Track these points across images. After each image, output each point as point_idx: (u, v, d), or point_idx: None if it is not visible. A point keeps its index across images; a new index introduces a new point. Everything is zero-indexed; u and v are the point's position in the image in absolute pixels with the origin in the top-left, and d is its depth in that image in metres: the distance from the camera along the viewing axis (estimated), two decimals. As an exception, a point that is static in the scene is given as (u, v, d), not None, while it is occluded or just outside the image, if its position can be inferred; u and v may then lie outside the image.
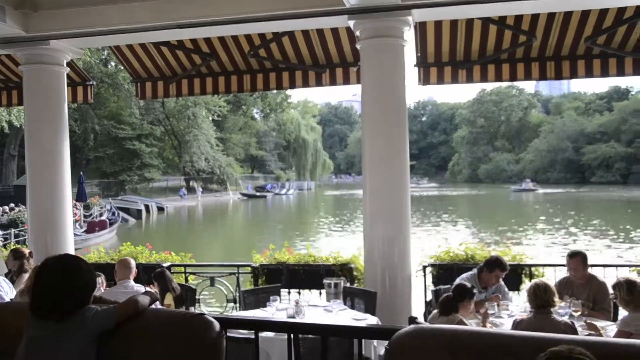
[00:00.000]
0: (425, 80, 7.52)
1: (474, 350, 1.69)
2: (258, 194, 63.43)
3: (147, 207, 40.65)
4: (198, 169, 55.09)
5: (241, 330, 4.34)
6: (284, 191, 69.18)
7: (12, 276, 6.02)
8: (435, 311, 4.91)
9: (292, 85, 7.96)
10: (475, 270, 5.74)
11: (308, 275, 7.22)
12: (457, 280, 5.46)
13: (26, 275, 5.85)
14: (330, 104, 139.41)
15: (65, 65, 7.41)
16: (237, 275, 7.63)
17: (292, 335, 2.64)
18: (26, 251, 6.44)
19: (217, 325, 2.16)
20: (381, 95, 6.30)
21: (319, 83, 7.81)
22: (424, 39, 7.11)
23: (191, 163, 54.09)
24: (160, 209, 42.97)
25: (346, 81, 7.71)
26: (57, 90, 7.30)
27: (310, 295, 7.10)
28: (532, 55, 7.22)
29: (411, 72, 6.64)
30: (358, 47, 6.52)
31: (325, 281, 6.23)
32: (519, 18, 6.65)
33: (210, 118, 55.31)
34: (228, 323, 2.45)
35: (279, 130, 73.71)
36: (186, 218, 42.97)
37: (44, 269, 2.40)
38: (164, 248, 8.52)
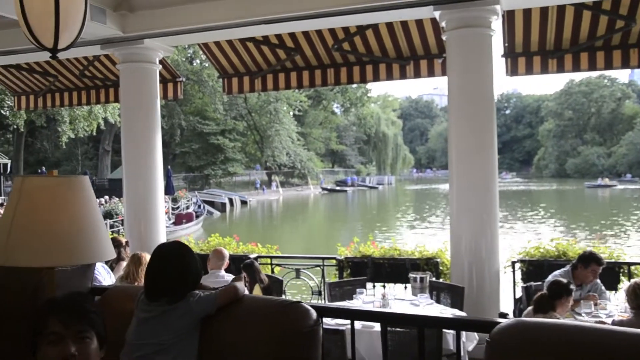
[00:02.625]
0: (512, 71, 7.30)
1: (582, 346, 1.62)
2: (338, 188, 63.68)
3: (230, 200, 41.77)
4: (279, 163, 56.00)
5: (328, 321, 4.39)
6: (364, 184, 69.06)
7: (112, 264, 6.37)
8: (530, 308, 4.75)
9: (376, 78, 7.91)
10: (568, 267, 5.51)
11: (393, 269, 7.19)
12: (550, 277, 5.27)
13: (124, 263, 6.16)
14: (410, 98, 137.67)
15: (157, 62, 7.73)
16: (322, 267, 7.72)
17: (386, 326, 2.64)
18: (123, 240, 6.78)
19: (314, 313, 2.19)
20: (468, 86, 6.15)
21: (402, 76, 7.72)
22: (512, 28, 6.89)
23: (273, 157, 55.04)
24: (244, 203, 44.06)
25: (431, 73, 7.59)
26: (150, 87, 7.63)
27: (395, 289, 7.07)
28: (631, 42, 6.82)
29: (497, 62, 6.45)
30: (444, 38, 6.41)
31: (411, 275, 6.18)
32: (616, 2, 6.30)
33: (291, 113, 56.06)
34: (325, 311, 2.48)
35: (359, 125, 73.63)
36: (268, 211, 43.81)
37: (160, 254, 2.52)
38: (248, 240, 8.73)
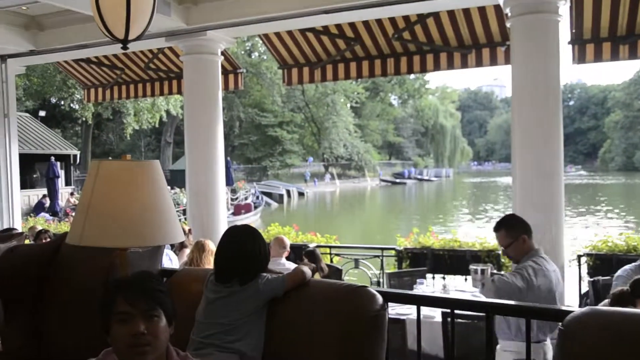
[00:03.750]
0: (580, 58, 7.02)
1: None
2: (398, 180, 63.22)
3: (288, 191, 42.13)
4: (337, 155, 56.06)
5: (388, 310, 4.37)
6: (422, 177, 68.31)
7: (175, 250, 6.56)
8: (605, 301, 4.57)
9: (437, 68, 7.78)
10: (639, 262, 5.30)
11: (453, 261, 7.12)
12: (620, 272, 5.06)
13: (187, 250, 6.33)
14: (469, 90, 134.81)
15: (219, 54, 7.86)
16: (381, 258, 7.71)
17: (447, 314, 2.61)
18: (186, 228, 6.96)
19: (380, 298, 2.19)
20: (533, 75, 5.96)
21: (464, 65, 7.57)
22: (580, 14, 6.63)
23: (330, 149, 55.13)
24: (301, 194, 44.37)
25: (493, 62, 7.41)
26: (212, 78, 7.76)
27: (455, 281, 6.99)
28: None
29: (563, 50, 6.23)
30: (508, 25, 6.23)
31: (472, 267, 6.02)
32: (697, -17, 5.99)
33: (349, 105, 55.95)
34: (390, 297, 2.48)
35: (416, 117, 72.74)
36: (325, 203, 43.99)
37: (232, 236, 2.58)
38: (306, 230, 8.80)
